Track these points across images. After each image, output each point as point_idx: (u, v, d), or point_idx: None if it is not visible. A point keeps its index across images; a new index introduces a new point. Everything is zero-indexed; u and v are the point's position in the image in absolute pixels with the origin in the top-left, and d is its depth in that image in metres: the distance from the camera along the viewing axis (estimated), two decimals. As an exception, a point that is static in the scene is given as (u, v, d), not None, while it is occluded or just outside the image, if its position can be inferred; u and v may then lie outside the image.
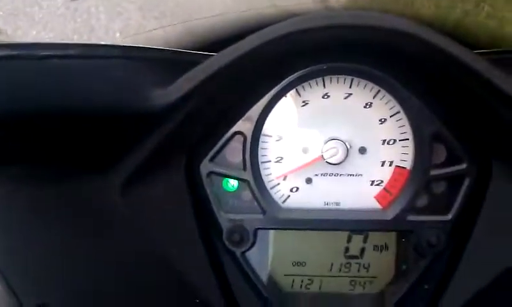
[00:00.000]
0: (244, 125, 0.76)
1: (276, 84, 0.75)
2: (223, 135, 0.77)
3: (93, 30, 2.02)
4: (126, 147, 0.72)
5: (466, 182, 0.76)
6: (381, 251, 0.81)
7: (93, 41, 2.00)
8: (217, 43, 0.86)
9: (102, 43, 0.72)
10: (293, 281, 0.83)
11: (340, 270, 0.82)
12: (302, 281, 0.83)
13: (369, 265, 0.82)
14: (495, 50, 0.74)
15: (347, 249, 0.81)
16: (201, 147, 0.78)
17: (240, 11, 0.97)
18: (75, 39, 2.02)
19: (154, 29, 0.98)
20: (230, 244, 0.80)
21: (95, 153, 0.73)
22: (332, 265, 0.82)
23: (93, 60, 0.67)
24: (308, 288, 0.83)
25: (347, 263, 0.82)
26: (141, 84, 0.68)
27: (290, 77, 0.74)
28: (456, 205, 0.76)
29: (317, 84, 0.76)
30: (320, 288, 0.83)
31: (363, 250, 0.81)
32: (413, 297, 0.81)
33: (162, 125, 0.70)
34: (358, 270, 0.82)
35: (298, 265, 0.82)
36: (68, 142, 0.70)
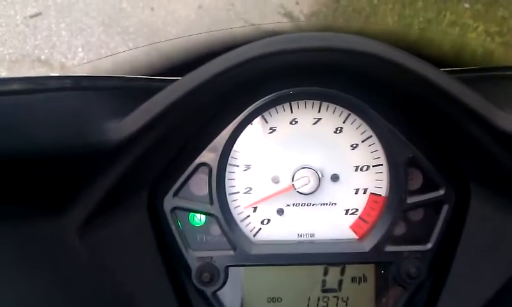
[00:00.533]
0: (208, 156, 0.72)
1: (241, 111, 0.71)
2: (186, 167, 0.72)
3: (55, 46, 1.98)
4: (80, 186, 0.67)
5: (445, 209, 0.72)
6: (359, 283, 0.77)
7: (55, 56, 1.97)
8: (185, 64, 0.82)
9: (51, 74, 0.68)
10: (269, 318, 0.78)
11: (317, 304, 0.78)
12: (278, 318, 0.78)
13: (348, 299, 0.77)
14: (465, 68, 0.71)
15: (324, 282, 0.77)
16: (163, 181, 0.73)
17: (206, 32, 0.94)
18: (36, 54, 1.98)
19: (118, 53, 0.94)
20: (199, 284, 0.75)
21: (45, 193, 0.68)
22: (309, 299, 0.78)
23: (40, 94, 0.63)
24: (285, 325, 0.78)
25: (325, 297, 0.77)
26: (93, 117, 0.63)
27: (255, 103, 0.71)
28: (435, 233, 0.73)
29: (284, 109, 0.72)
30: (298, 324, 0.78)
31: (340, 282, 0.77)
32: None
33: (118, 160, 0.65)
34: (337, 304, 0.78)
35: (274, 302, 0.78)
36: (16, 183, 0.65)
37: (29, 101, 0.62)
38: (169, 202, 0.73)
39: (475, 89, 0.61)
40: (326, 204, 0.75)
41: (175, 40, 0.96)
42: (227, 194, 0.74)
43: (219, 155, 0.72)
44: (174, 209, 0.73)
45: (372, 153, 0.73)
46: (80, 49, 1.96)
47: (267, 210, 0.75)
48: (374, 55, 0.58)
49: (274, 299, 0.77)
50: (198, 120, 0.70)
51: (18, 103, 0.61)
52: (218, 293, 0.76)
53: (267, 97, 0.70)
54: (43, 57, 1.95)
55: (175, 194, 0.73)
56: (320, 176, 0.73)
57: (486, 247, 0.71)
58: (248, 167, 0.74)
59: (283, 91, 0.70)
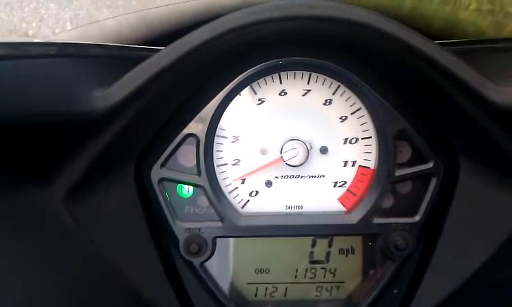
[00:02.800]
0: (196, 126, 0.71)
1: (230, 81, 0.70)
2: (174, 138, 0.71)
3: (42, 19, 1.95)
4: (66, 155, 0.66)
5: (433, 182, 0.72)
6: (347, 255, 0.77)
7: (43, 30, 1.93)
8: (174, 34, 0.81)
9: (35, 40, 0.66)
10: (257, 289, 0.79)
11: (305, 276, 0.78)
12: (266, 289, 0.79)
13: (335, 270, 0.78)
14: (457, 40, 0.70)
15: (311, 254, 0.77)
16: (150, 152, 0.72)
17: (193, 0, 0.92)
18: (24, 28, 1.94)
19: (105, 19, 0.92)
20: (187, 255, 0.75)
21: (31, 161, 0.67)
22: (297, 271, 0.78)
23: (24, 60, 0.61)
24: (273, 296, 0.79)
25: (313, 269, 0.78)
26: (79, 85, 0.62)
27: (244, 74, 0.69)
28: (423, 206, 0.73)
29: (273, 80, 0.71)
30: (285, 295, 0.79)
31: (328, 254, 0.77)
32: (382, 302, 0.77)
33: (104, 129, 0.64)
34: (324, 276, 0.78)
35: (261, 273, 0.78)
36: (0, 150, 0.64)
37: (13, 67, 0.60)
38: (156, 173, 0.72)
39: (467, 62, 0.60)
40: (315, 176, 0.74)
41: (161, 9, 0.94)
42: (215, 166, 0.74)
43: (207, 126, 0.71)
44: (161, 180, 0.73)
45: (361, 125, 0.72)
46: (68, 23, 1.93)
47: (256, 182, 0.75)
48: (364, 25, 0.57)
49: (262, 270, 0.78)
50: (186, 90, 0.69)
51: (1, 69, 0.59)
52: (206, 264, 0.76)
53: (255, 67, 0.69)
54: (30, 31, 1.91)
55: (163, 165, 0.72)
56: (309, 148, 0.72)
57: (474, 220, 0.71)
58: (236, 138, 0.73)
59: (272, 61, 0.68)
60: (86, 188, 0.70)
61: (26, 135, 0.63)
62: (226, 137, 0.73)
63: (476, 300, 0.75)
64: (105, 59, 0.68)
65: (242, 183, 0.75)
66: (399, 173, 0.71)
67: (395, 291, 0.77)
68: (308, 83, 0.71)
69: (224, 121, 0.72)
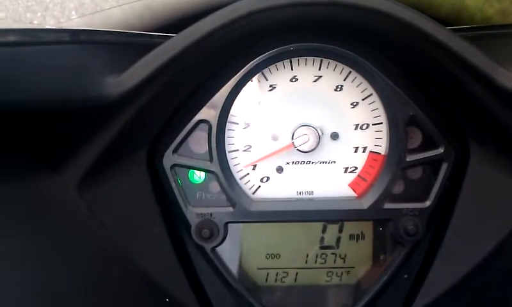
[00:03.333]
0: (208, 113, 0.71)
1: (241, 68, 0.70)
2: (186, 124, 0.72)
3: (48, 9, 1.94)
4: (79, 141, 0.67)
5: (444, 167, 0.72)
6: (357, 240, 0.77)
7: (48, 20, 1.92)
8: (180, 22, 0.81)
9: (47, 27, 0.66)
10: (267, 274, 0.79)
11: (315, 261, 0.79)
12: (277, 274, 0.79)
13: (346, 256, 0.78)
14: (465, 26, 0.70)
15: (322, 240, 0.78)
16: (163, 138, 0.73)
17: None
18: (28, 18, 1.94)
19: (111, 8, 0.92)
20: (199, 240, 0.75)
21: (44, 148, 0.68)
22: (307, 256, 0.79)
23: (37, 47, 0.62)
24: (284, 281, 0.80)
25: (323, 254, 0.78)
26: (92, 71, 0.62)
27: (255, 60, 0.70)
28: (434, 191, 0.73)
29: (284, 66, 0.71)
30: (295, 280, 0.79)
31: (339, 240, 0.78)
32: (392, 287, 0.78)
33: (116, 116, 0.65)
34: (335, 261, 0.78)
35: (272, 258, 0.79)
36: (14, 136, 0.65)
37: (26, 53, 0.61)
38: (168, 159, 0.73)
39: (478, 47, 0.60)
40: (325, 162, 0.75)
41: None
42: (226, 152, 0.74)
43: (218, 112, 0.71)
44: (173, 166, 0.73)
45: (372, 111, 0.72)
46: (73, 12, 1.92)
47: (267, 167, 0.75)
48: (376, 10, 0.57)
49: (272, 255, 0.78)
50: (197, 76, 0.69)
51: (14, 55, 0.60)
52: (217, 249, 0.77)
53: (266, 53, 0.69)
54: (35, 21, 1.91)
55: (175, 151, 0.73)
56: (320, 134, 0.72)
57: (484, 206, 0.71)
58: (247, 124, 0.74)
59: (283, 47, 0.69)
60: (98, 175, 0.71)
61: (40, 122, 0.64)
62: (237, 123, 0.73)
63: (486, 286, 0.75)
64: (117, 46, 0.68)
65: (254, 169, 0.75)
66: (410, 158, 0.72)
67: (405, 276, 0.78)
68: (319, 69, 0.71)
69: (236, 107, 0.73)
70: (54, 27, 0.67)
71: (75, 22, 1.03)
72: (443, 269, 0.74)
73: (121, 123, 0.66)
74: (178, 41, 0.62)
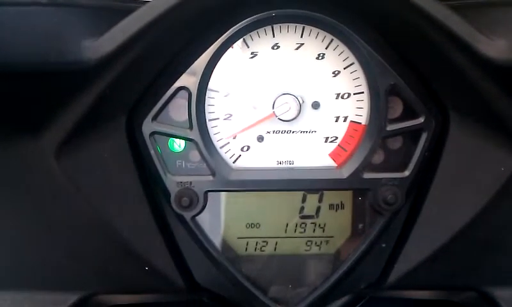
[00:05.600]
0: (188, 79, 0.70)
1: (222, 34, 0.69)
2: (165, 91, 0.71)
3: None
4: (56, 106, 0.66)
5: (424, 137, 0.72)
6: (336, 210, 0.78)
7: None
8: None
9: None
10: (247, 243, 0.80)
11: (295, 230, 0.79)
12: (256, 244, 0.80)
13: (325, 225, 0.79)
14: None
15: (302, 209, 0.78)
16: (142, 105, 0.72)
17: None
18: None
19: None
20: (178, 208, 0.75)
21: (21, 113, 0.66)
22: (287, 225, 0.79)
23: (13, 8, 0.60)
24: (263, 251, 0.80)
25: (303, 223, 0.79)
26: (69, 35, 0.61)
27: (236, 26, 0.68)
28: (413, 161, 0.73)
29: (265, 33, 0.71)
30: (275, 249, 0.80)
31: (318, 209, 0.78)
32: (371, 256, 0.79)
33: (94, 81, 0.64)
34: (314, 230, 0.79)
35: (252, 227, 0.79)
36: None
37: (1, 14, 0.59)
38: (148, 126, 0.72)
39: (460, 15, 0.59)
40: (306, 131, 0.74)
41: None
42: (207, 120, 0.74)
43: (198, 79, 0.70)
44: (153, 133, 0.73)
45: (353, 80, 0.72)
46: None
47: (247, 137, 0.75)
48: None
49: (252, 225, 0.79)
50: (177, 42, 0.68)
51: None
52: (197, 217, 0.77)
53: (248, 19, 0.68)
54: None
55: (154, 118, 0.72)
56: (301, 102, 0.72)
57: (463, 176, 0.72)
58: (228, 93, 0.73)
59: (265, 12, 0.67)
60: (77, 141, 0.70)
61: (16, 85, 0.63)
62: (218, 91, 0.73)
63: (463, 255, 0.77)
64: (95, 9, 0.66)
65: (234, 138, 0.75)
66: (390, 128, 0.72)
67: (383, 245, 0.79)
68: (301, 36, 0.71)
69: (217, 74, 0.72)
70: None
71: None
72: (421, 238, 0.75)
73: (100, 88, 0.65)
74: (156, 5, 0.60)
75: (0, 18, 0.59)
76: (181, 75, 0.70)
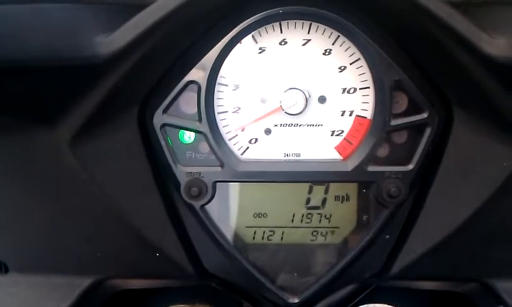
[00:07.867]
0: (197, 73, 0.72)
1: (231, 29, 0.71)
2: (176, 84, 0.73)
3: None
4: (71, 99, 0.68)
5: (428, 131, 0.73)
6: (342, 201, 0.80)
7: None
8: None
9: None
10: (254, 232, 0.82)
11: (301, 221, 0.81)
12: (264, 233, 0.82)
13: (331, 216, 0.81)
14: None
15: (308, 200, 0.80)
16: (153, 98, 0.74)
17: None
18: None
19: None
20: (188, 198, 0.78)
21: (38, 104, 0.69)
22: (294, 216, 0.81)
23: (28, 5, 0.62)
24: (270, 240, 0.82)
25: (309, 214, 0.81)
26: (83, 30, 0.63)
27: (245, 22, 0.70)
28: (417, 155, 0.75)
29: (273, 29, 0.72)
30: (282, 239, 0.82)
31: (324, 201, 0.80)
32: (375, 247, 0.81)
33: (107, 74, 0.66)
34: (320, 221, 0.81)
35: (259, 217, 0.81)
36: (7, 93, 0.66)
37: (16, 11, 0.61)
38: (158, 118, 0.74)
39: (463, 14, 0.60)
40: (313, 125, 0.76)
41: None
42: (216, 113, 0.76)
43: (208, 73, 0.72)
44: (163, 125, 0.75)
45: (359, 75, 0.73)
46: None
47: (255, 129, 0.77)
48: None
49: (260, 215, 0.81)
50: (188, 37, 0.70)
51: (4, 13, 0.60)
52: (206, 207, 0.79)
53: (256, 15, 0.69)
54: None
55: (165, 111, 0.74)
56: (307, 97, 0.74)
57: (466, 170, 0.73)
58: (236, 87, 0.75)
59: (272, 9, 0.69)
60: (90, 132, 0.73)
61: (31, 79, 0.65)
62: (226, 85, 0.75)
63: (465, 247, 0.78)
64: (108, 5, 0.68)
65: (242, 130, 0.77)
66: (395, 122, 0.73)
67: (387, 236, 0.80)
68: (308, 33, 0.72)
69: (225, 68, 0.74)
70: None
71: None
72: (424, 230, 0.76)
73: (112, 82, 0.67)
74: (168, 2, 0.62)
75: (15, 15, 0.61)
76: (191, 69, 0.72)
